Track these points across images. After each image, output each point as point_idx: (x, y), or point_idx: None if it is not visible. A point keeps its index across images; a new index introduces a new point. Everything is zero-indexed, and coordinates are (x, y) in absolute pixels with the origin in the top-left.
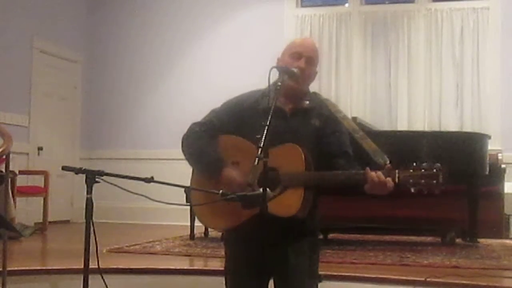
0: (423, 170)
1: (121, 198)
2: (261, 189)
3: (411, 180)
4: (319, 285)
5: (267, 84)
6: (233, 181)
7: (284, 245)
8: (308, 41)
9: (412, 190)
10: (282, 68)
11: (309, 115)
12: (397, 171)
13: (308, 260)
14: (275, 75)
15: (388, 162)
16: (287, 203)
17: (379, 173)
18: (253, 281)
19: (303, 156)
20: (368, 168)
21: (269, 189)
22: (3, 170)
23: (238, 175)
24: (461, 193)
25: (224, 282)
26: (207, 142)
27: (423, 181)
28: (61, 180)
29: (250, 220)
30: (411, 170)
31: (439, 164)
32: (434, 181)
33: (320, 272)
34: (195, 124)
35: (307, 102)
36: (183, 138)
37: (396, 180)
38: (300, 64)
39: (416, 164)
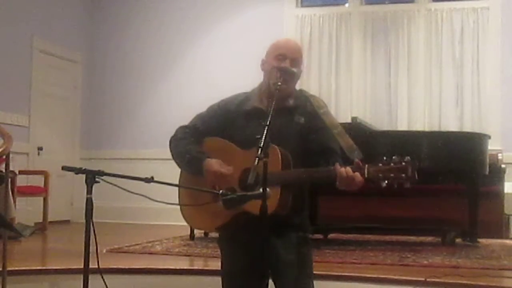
0: (392, 164)
1: (121, 198)
2: (261, 189)
3: (380, 174)
4: (319, 284)
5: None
6: (211, 170)
7: (272, 241)
8: (291, 42)
9: (383, 184)
10: (282, 68)
11: (292, 114)
12: (366, 166)
13: (298, 254)
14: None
15: (361, 158)
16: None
17: (348, 168)
18: (247, 280)
19: (279, 155)
20: (337, 164)
21: (246, 189)
22: (3, 170)
23: (218, 163)
24: (461, 193)
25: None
26: (190, 142)
27: (392, 174)
28: (61, 180)
29: (233, 220)
30: (380, 164)
31: (408, 157)
32: (403, 174)
33: (320, 272)
34: (181, 127)
35: (291, 101)
36: (170, 140)
37: (366, 174)
38: (282, 65)
39: (385, 158)
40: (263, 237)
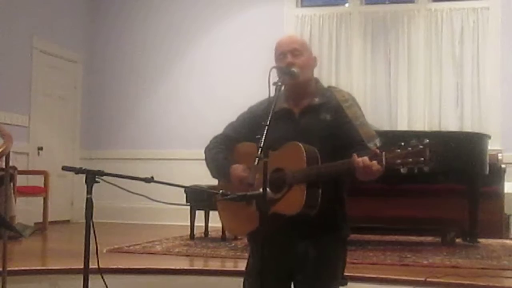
0: (409, 149)
1: (121, 198)
2: (261, 189)
3: (398, 161)
4: None
5: (267, 85)
6: (235, 175)
7: (303, 244)
8: (287, 37)
9: (402, 170)
10: (282, 68)
11: (318, 112)
12: (383, 153)
13: (328, 259)
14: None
15: (378, 145)
16: (291, 201)
17: (365, 158)
18: (273, 281)
19: (304, 152)
20: (354, 155)
21: (277, 189)
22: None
23: (241, 168)
24: (461, 193)
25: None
26: (219, 151)
27: (410, 159)
28: (61, 180)
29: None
30: (398, 150)
31: (427, 140)
32: (422, 158)
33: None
34: (214, 137)
35: (316, 99)
36: (204, 151)
37: (383, 162)
38: (287, 61)
39: (403, 143)
40: (291, 238)
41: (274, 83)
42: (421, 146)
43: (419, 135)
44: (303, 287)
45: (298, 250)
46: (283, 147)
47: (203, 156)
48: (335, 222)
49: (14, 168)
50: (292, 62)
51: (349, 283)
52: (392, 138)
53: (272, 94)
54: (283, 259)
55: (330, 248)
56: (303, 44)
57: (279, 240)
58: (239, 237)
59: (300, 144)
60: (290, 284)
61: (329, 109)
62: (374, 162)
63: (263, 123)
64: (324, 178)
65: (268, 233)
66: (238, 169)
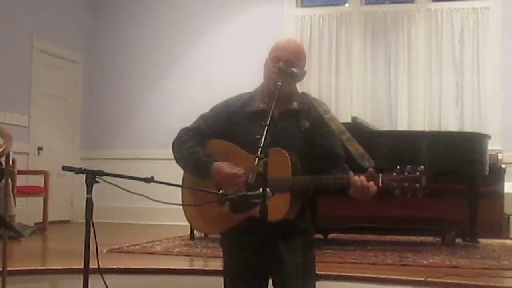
0: (406, 173)
1: (121, 198)
2: (260, 189)
3: (394, 184)
4: (319, 284)
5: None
6: (222, 172)
7: (277, 245)
8: (290, 43)
9: (396, 193)
10: (282, 68)
11: (297, 117)
12: (380, 175)
13: (302, 258)
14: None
15: (373, 165)
16: (274, 208)
17: (362, 177)
18: (249, 282)
19: (289, 161)
20: (351, 172)
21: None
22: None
23: (229, 166)
24: (461, 193)
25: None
26: (195, 144)
27: (406, 184)
28: (61, 180)
29: (241, 224)
30: (394, 174)
31: (422, 167)
32: (417, 184)
33: (319, 272)
34: (184, 129)
35: (295, 104)
36: (172, 143)
37: (380, 183)
38: (277, 66)
39: (399, 167)
40: (268, 240)
41: (274, 83)
42: (417, 172)
43: (419, 135)
44: (282, 286)
45: (273, 250)
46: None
47: None
48: (307, 224)
49: (14, 163)
50: (279, 70)
51: (349, 283)
52: (392, 138)
53: (257, 92)
54: (258, 260)
55: (304, 248)
56: (299, 56)
57: (254, 241)
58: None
59: (284, 152)
60: (267, 284)
61: (308, 116)
62: (372, 183)
63: (263, 123)
64: (313, 189)
65: (264, 234)
66: (224, 167)
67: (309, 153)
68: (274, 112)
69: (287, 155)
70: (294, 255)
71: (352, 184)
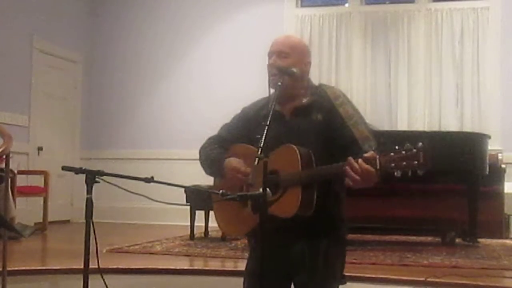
0: (403, 152)
1: (121, 198)
2: (261, 189)
3: (392, 164)
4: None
5: (266, 84)
6: (230, 167)
7: (300, 245)
8: (280, 37)
9: (396, 174)
10: (282, 68)
11: (310, 111)
12: (377, 157)
13: (326, 260)
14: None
15: (374, 148)
16: (286, 204)
17: (360, 161)
18: (271, 283)
19: (298, 155)
20: (350, 158)
21: (271, 192)
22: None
23: (239, 162)
24: (461, 193)
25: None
26: (213, 148)
27: (404, 163)
28: (61, 180)
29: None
30: (392, 154)
31: (420, 143)
32: (416, 161)
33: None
34: (208, 138)
35: (306, 99)
36: (199, 151)
37: (378, 166)
38: (270, 62)
39: (397, 148)
40: (290, 239)
41: (274, 83)
42: (415, 150)
43: (419, 135)
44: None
45: (296, 250)
46: (278, 150)
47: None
48: (333, 221)
49: (14, 173)
50: (272, 63)
51: (349, 283)
52: (392, 138)
53: (272, 95)
54: (281, 260)
55: (328, 248)
56: (293, 46)
57: (277, 240)
58: (239, 237)
59: (294, 146)
60: (290, 285)
61: (320, 109)
62: (368, 166)
63: (262, 123)
64: (318, 181)
65: (266, 233)
66: (232, 161)
67: (328, 146)
68: (284, 112)
69: (295, 149)
70: (316, 256)
71: (346, 173)
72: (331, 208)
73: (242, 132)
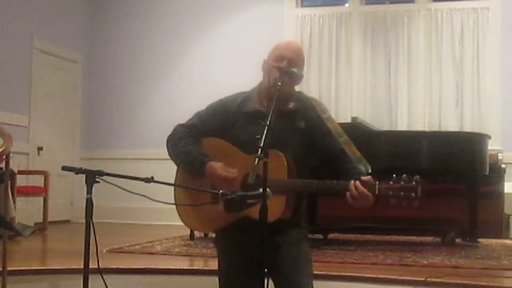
0: (402, 183)
1: (121, 198)
2: (260, 189)
3: (390, 192)
4: (319, 284)
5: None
6: (215, 173)
7: (272, 239)
8: (292, 44)
9: (391, 201)
10: (282, 68)
11: (293, 117)
12: (376, 182)
13: (297, 247)
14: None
15: (369, 170)
16: (271, 209)
17: (358, 183)
18: (245, 279)
19: (286, 164)
20: (351, 181)
21: (250, 195)
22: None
23: (222, 167)
24: (461, 193)
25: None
26: (190, 142)
27: (402, 193)
28: (61, 180)
29: (236, 222)
30: (391, 182)
31: (417, 176)
32: (413, 194)
33: (319, 272)
34: (179, 125)
35: (292, 104)
36: (167, 139)
37: (376, 191)
38: (282, 64)
39: (395, 176)
40: (263, 238)
41: (274, 83)
42: (414, 182)
43: (419, 135)
44: (281, 283)
45: (267, 247)
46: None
47: None
48: (300, 219)
49: (14, 172)
50: (280, 68)
51: (349, 283)
52: (392, 138)
53: (254, 90)
54: (254, 257)
55: (297, 237)
56: (302, 58)
57: (249, 240)
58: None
59: (281, 154)
60: (263, 283)
61: (304, 116)
62: (366, 191)
63: (262, 123)
64: (308, 192)
65: (255, 231)
66: (218, 167)
67: (305, 153)
68: (268, 113)
69: (283, 157)
70: (287, 247)
71: (350, 193)
72: (300, 208)
73: (217, 123)
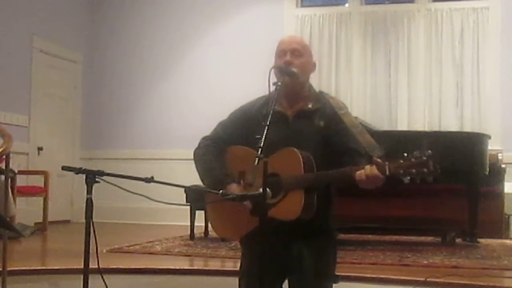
0: (412, 159)
1: (121, 198)
2: (260, 189)
3: (401, 171)
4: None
5: (267, 85)
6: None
7: (296, 245)
8: (291, 37)
9: (405, 181)
10: (282, 68)
11: (313, 117)
12: (387, 163)
13: (321, 259)
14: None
15: (382, 154)
16: (289, 207)
17: (367, 167)
18: (266, 282)
19: (301, 159)
20: (360, 165)
21: (273, 195)
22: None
23: (238, 190)
24: (461, 193)
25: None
26: (214, 158)
27: (414, 170)
28: (61, 180)
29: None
30: (401, 161)
31: (429, 151)
32: (425, 169)
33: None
34: (203, 138)
35: (311, 104)
36: (194, 153)
37: (387, 172)
38: (286, 59)
39: (406, 155)
40: (286, 240)
41: (274, 83)
42: (424, 158)
43: (419, 135)
44: (299, 286)
45: (292, 251)
46: (279, 152)
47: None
48: (327, 223)
49: (14, 172)
50: (290, 60)
51: (349, 283)
52: (392, 138)
53: (272, 95)
54: (277, 260)
55: (323, 248)
56: (304, 46)
57: (272, 241)
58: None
59: (296, 150)
60: (282, 284)
61: (323, 116)
62: (377, 172)
63: (263, 123)
64: (322, 185)
65: (266, 234)
66: (236, 190)
67: (327, 152)
68: (288, 112)
69: (297, 153)
70: (312, 255)
71: (357, 178)
72: (325, 209)
73: (241, 131)
